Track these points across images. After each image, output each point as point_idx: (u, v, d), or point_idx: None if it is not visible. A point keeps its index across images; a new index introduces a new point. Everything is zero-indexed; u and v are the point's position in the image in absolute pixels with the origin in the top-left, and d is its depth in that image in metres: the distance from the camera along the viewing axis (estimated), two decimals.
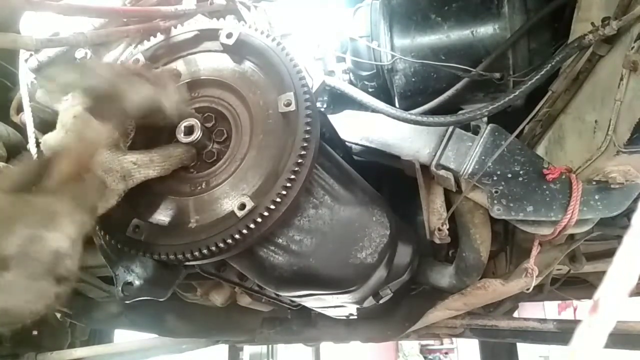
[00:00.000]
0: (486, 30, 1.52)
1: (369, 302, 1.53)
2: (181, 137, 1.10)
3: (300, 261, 1.19)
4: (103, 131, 0.91)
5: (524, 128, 1.47)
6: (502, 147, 1.42)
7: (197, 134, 1.10)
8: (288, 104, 1.10)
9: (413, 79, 1.62)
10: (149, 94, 0.98)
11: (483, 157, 1.46)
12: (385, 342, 2.52)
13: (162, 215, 1.12)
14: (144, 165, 1.01)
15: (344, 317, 1.93)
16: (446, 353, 11.28)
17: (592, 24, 1.19)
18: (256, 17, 1.62)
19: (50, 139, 0.94)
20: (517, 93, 1.32)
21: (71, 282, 0.80)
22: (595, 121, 1.21)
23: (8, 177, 0.81)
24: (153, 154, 1.03)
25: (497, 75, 1.51)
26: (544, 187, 1.36)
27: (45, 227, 0.76)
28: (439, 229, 1.59)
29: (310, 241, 1.19)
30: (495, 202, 1.39)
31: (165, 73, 1.08)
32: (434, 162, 1.52)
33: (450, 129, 1.54)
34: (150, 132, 1.11)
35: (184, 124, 1.10)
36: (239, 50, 1.20)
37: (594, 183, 1.30)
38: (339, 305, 1.58)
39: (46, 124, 1.50)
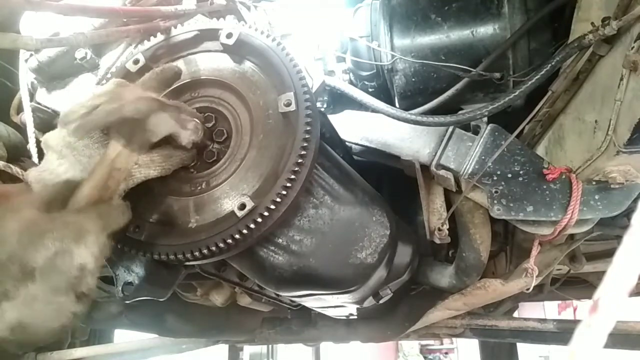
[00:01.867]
0: (486, 30, 1.52)
1: (369, 302, 1.53)
2: (182, 139, 1.10)
3: (300, 261, 1.19)
4: (129, 158, 0.94)
5: (524, 128, 1.47)
6: (502, 147, 1.42)
7: (198, 135, 1.10)
8: (288, 104, 1.10)
9: (413, 79, 1.62)
10: (172, 129, 1.01)
11: (483, 157, 1.46)
12: (385, 342, 2.52)
13: (162, 215, 1.12)
14: (145, 165, 1.01)
15: (344, 317, 1.93)
16: (446, 353, 11.28)
17: (592, 24, 1.19)
18: (256, 17, 1.62)
19: (51, 138, 0.95)
20: (517, 93, 1.32)
21: (88, 302, 0.82)
22: (595, 121, 1.21)
23: (39, 197, 0.85)
24: (154, 154, 1.03)
25: (497, 75, 1.51)
26: (544, 187, 1.36)
27: (74, 242, 0.80)
28: (439, 229, 1.59)
29: (310, 241, 1.19)
30: (495, 202, 1.39)
31: (167, 73, 1.08)
32: (434, 162, 1.53)
33: (450, 129, 1.54)
34: None
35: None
36: (239, 50, 1.19)
37: (594, 183, 1.30)
38: (339, 305, 1.58)
39: (46, 124, 1.50)
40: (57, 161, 0.93)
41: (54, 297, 0.76)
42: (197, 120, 1.09)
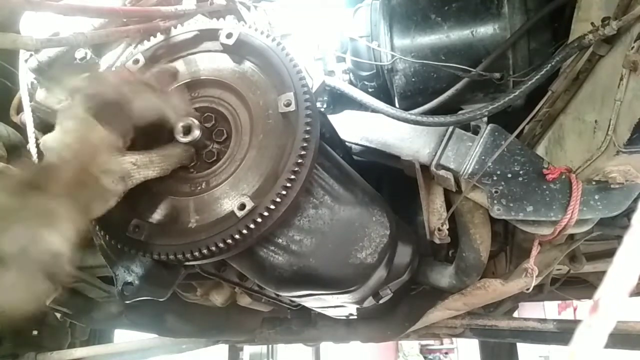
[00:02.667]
0: (486, 30, 1.52)
1: (369, 302, 1.53)
2: (180, 137, 1.10)
3: (300, 261, 1.19)
4: (107, 137, 0.91)
5: (524, 128, 1.47)
6: (502, 147, 1.42)
7: (195, 134, 1.10)
8: (288, 104, 1.10)
9: (413, 79, 1.62)
10: (154, 102, 0.99)
11: (483, 157, 1.46)
12: (385, 342, 2.52)
13: (162, 215, 1.12)
14: (143, 166, 1.01)
15: (344, 317, 1.93)
16: (446, 353, 11.28)
17: (592, 24, 1.19)
18: (256, 17, 1.62)
19: (49, 140, 0.94)
20: (517, 93, 1.32)
21: (65, 283, 0.81)
22: (595, 121, 1.21)
23: (10, 178, 0.82)
24: (152, 155, 1.03)
25: (497, 75, 1.51)
26: (544, 187, 1.36)
27: (45, 227, 0.77)
28: (439, 229, 1.59)
29: (310, 241, 1.19)
30: (495, 202, 1.39)
31: (165, 74, 1.07)
32: (434, 162, 1.52)
33: (450, 129, 1.54)
34: (149, 132, 1.11)
35: (181, 123, 1.10)
36: (238, 50, 1.19)
37: (594, 183, 1.30)
38: (339, 305, 1.58)
39: (46, 124, 1.50)
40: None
41: (28, 282, 0.75)
42: (173, 73, 1.07)
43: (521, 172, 1.41)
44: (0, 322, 0.77)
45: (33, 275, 0.76)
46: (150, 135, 1.11)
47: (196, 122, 1.10)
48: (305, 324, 2.20)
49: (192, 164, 1.16)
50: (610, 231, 1.63)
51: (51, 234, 0.78)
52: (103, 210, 0.96)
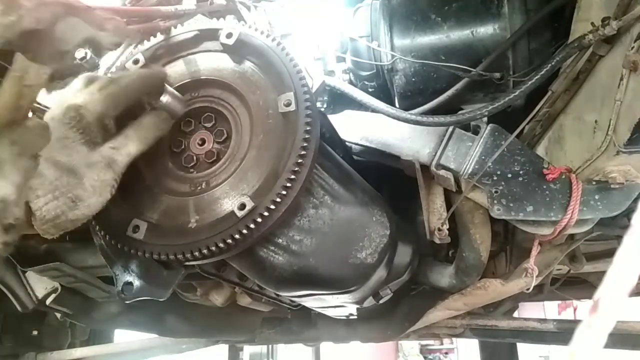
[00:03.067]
0: (486, 30, 1.52)
1: (369, 302, 1.53)
2: (149, 106, 1.09)
3: (300, 261, 1.19)
4: (40, 72, 0.82)
5: (524, 128, 1.47)
6: (502, 147, 1.42)
7: (164, 98, 1.09)
8: (288, 104, 1.10)
9: (413, 79, 1.62)
10: (86, 32, 0.92)
11: (483, 157, 1.46)
12: (385, 342, 2.52)
13: (162, 215, 1.12)
14: (122, 145, 0.98)
15: (344, 317, 1.93)
16: (446, 353, 11.29)
17: (592, 24, 1.19)
18: (256, 17, 1.62)
19: None
20: (517, 93, 1.32)
21: (19, 230, 0.78)
22: (595, 121, 1.21)
23: None
24: (126, 131, 1.01)
25: (497, 75, 1.51)
26: (544, 187, 1.36)
27: None
28: (439, 229, 1.59)
29: (310, 241, 1.19)
30: (495, 202, 1.39)
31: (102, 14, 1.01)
32: (434, 162, 1.53)
33: (450, 129, 1.54)
34: (127, 116, 1.09)
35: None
36: (238, 50, 1.19)
37: (594, 183, 1.30)
38: (339, 305, 1.58)
39: None
40: None
41: None
42: (117, 18, 1.01)
43: (521, 172, 1.41)
44: None
45: None
46: (127, 116, 1.09)
47: (121, 22, 1.06)
48: (305, 324, 2.20)
49: (193, 164, 1.16)
50: (610, 231, 1.63)
51: None
52: (101, 203, 0.95)
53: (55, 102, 0.95)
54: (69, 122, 0.94)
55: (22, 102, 0.79)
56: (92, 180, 0.94)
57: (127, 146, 0.99)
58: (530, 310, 4.19)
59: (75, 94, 1.00)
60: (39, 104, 1.51)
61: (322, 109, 1.80)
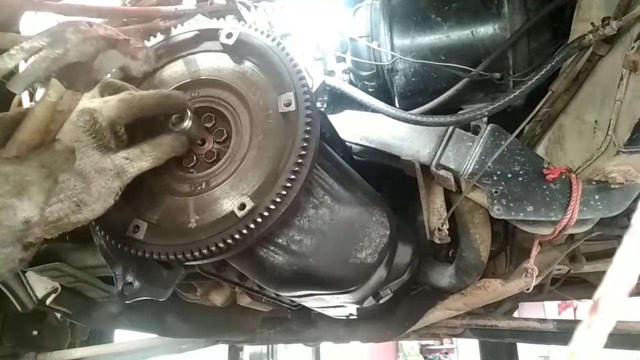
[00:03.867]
0: (486, 30, 1.52)
1: (369, 302, 1.53)
2: (171, 127, 1.10)
3: (300, 261, 1.19)
4: (73, 98, 0.86)
5: (524, 128, 1.47)
6: (502, 147, 1.42)
7: (186, 123, 1.10)
8: (288, 104, 1.10)
9: (413, 79, 1.62)
10: (120, 62, 0.94)
11: (483, 157, 1.46)
12: (385, 342, 2.52)
13: (162, 215, 1.12)
14: (136, 158, 0.99)
15: (344, 317, 1.93)
16: (446, 353, 11.29)
17: (592, 24, 1.19)
18: (256, 17, 1.62)
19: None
20: (517, 93, 1.32)
21: (37, 247, 0.79)
22: (595, 121, 1.21)
23: None
24: (143, 145, 1.02)
25: (497, 75, 1.51)
26: (544, 187, 1.36)
27: (16, 195, 0.75)
28: (439, 229, 1.59)
29: (310, 241, 1.19)
30: (495, 202, 1.39)
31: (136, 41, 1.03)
32: (434, 162, 1.53)
33: (450, 129, 1.54)
34: (144, 130, 1.10)
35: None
36: (238, 50, 1.19)
37: (594, 183, 1.30)
38: (339, 305, 1.58)
39: None
40: None
41: (0, 249, 0.73)
42: (147, 47, 1.04)
43: (521, 172, 1.41)
44: None
45: (4, 244, 0.74)
46: (143, 130, 1.10)
47: (151, 50, 1.08)
48: (305, 324, 2.20)
49: (193, 164, 1.16)
50: (610, 231, 1.63)
51: (23, 201, 0.76)
52: (103, 209, 0.95)
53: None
54: (83, 126, 0.95)
55: (52, 127, 0.83)
56: (99, 186, 0.94)
57: (141, 161, 1.00)
58: (530, 310, 4.19)
59: (90, 99, 1.01)
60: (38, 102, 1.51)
61: (322, 109, 1.80)
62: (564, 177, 1.34)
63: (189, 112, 1.11)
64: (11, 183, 0.76)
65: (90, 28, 0.87)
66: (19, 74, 0.80)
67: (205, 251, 1.04)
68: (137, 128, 1.06)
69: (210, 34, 1.23)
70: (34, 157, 0.81)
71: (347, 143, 1.65)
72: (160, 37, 1.28)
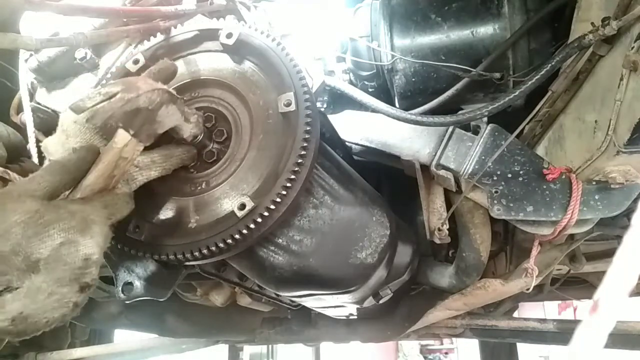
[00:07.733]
0: (486, 30, 1.52)
1: (369, 302, 1.53)
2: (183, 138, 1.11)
3: (300, 261, 1.19)
4: (136, 148, 0.93)
5: (524, 128, 1.47)
6: (502, 147, 1.42)
7: (199, 137, 1.11)
8: (288, 104, 1.10)
9: (413, 79, 1.62)
10: (178, 120, 1.02)
11: (483, 157, 1.46)
12: (385, 342, 2.52)
13: (163, 215, 1.12)
14: (146, 167, 1.01)
15: (344, 317, 1.93)
16: (446, 353, 11.28)
17: (592, 24, 1.19)
18: (256, 17, 1.62)
19: (50, 144, 0.94)
20: (517, 93, 1.32)
21: (90, 292, 0.81)
22: (595, 121, 1.21)
23: (41, 183, 0.82)
24: (154, 155, 1.03)
25: (497, 75, 1.51)
26: (544, 187, 1.36)
27: (80, 232, 0.79)
28: (439, 229, 1.59)
29: (310, 241, 1.19)
30: (495, 202, 1.39)
31: (166, 71, 1.07)
32: (434, 162, 1.53)
33: (450, 129, 1.54)
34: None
35: (191, 128, 1.11)
36: (238, 50, 1.19)
37: (594, 183, 1.30)
38: (339, 305, 1.58)
39: (46, 124, 1.50)
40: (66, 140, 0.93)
41: (57, 287, 0.75)
42: (198, 113, 1.10)
43: (521, 172, 1.41)
44: (23, 329, 0.75)
45: (63, 281, 0.76)
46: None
47: (201, 116, 1.11)
48: (305, 324, 2.20)
49: (193, 164, 1.16)
50: (610, 231, 1.63)
51: (86, 239, 0.79)
52: (122, 214, 0.96)
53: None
54: (87, 124, 0.95)
55: (116, 172, 0.89)
56: None
57: (150, 170, 1.02)
58: (530, 310, 4.19)
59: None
60: (38, 103, 1.52)
61: (322, 109, 1.80)
62: (564, 177, 1.34)
63: (201, 117, 1.12)
64: (77, 219, 0.79)
65: (156, 82, 0.97)
66: (96, 109, 0.89)
67: (205, 251, 1.04)
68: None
69: (210, 34, 1.23)
70: (98, 199, 0.86)
71: (347, 143, 1.65)
72: (160, 37, 1.28)
